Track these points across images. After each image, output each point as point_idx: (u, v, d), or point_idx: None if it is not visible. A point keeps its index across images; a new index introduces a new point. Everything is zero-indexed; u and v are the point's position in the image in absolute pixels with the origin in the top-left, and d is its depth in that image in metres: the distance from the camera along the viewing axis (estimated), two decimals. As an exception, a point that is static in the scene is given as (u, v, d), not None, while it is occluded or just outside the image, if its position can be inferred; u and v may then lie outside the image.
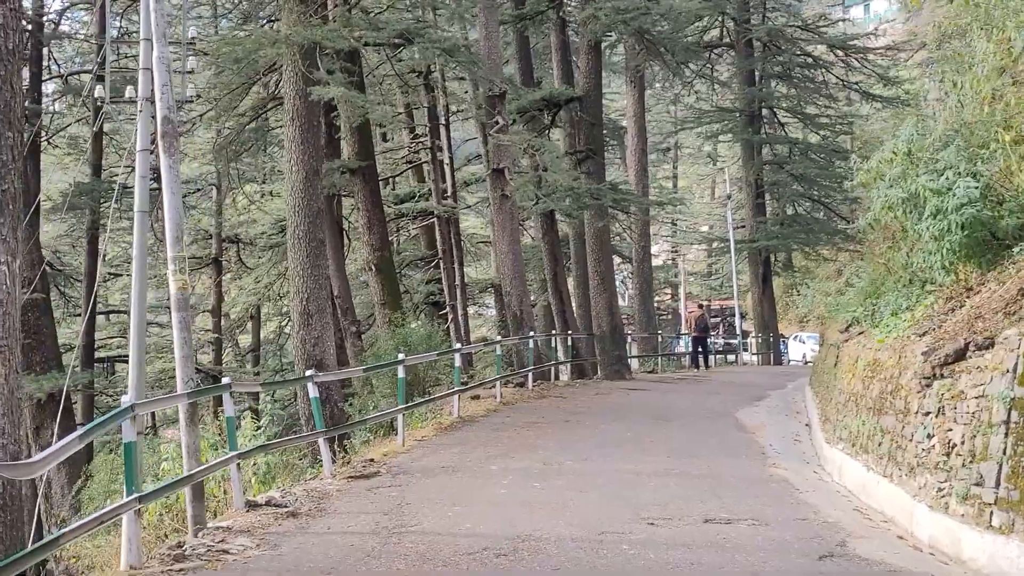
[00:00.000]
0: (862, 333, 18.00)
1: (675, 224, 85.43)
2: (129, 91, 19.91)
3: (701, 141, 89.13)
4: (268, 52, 20.82)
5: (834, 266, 71.70)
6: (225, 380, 12.20)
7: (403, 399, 17.54)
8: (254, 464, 15.77)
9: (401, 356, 17.74)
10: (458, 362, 21.28)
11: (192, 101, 19.20)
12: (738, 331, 59.95)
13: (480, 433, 18.69)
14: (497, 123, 27.68)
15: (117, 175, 36.18)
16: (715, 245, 65.49)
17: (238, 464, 12.11)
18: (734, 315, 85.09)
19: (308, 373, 14.68)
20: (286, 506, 11.96)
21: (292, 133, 21.79)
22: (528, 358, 26.84)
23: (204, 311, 49.59)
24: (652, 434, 19.08)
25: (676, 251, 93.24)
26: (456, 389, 20.72)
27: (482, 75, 26.36)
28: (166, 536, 14.37)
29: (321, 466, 17.46)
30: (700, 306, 49.28)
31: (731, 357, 53.55)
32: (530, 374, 26.62)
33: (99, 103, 23.75)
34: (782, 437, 20.16)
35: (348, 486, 13.61)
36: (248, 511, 11.78)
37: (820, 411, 20.48)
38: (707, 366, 42.74)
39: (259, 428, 16.63)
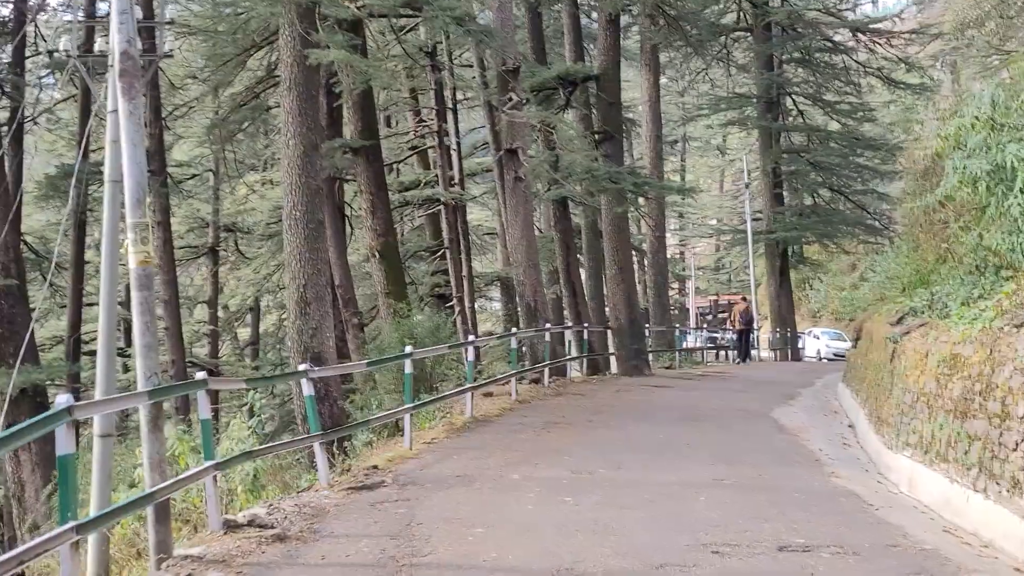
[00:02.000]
0: (924, 325, 15.96)
1: (683, 217, 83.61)
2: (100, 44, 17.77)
3: (712, 132, 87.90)
4: (263, 11, 18.79)
5: (848, 260, 69.84)
6: (200, 375, 10.12)
7: (410, 397, 15.53)
8: (241, 470, 13.76)
9: (408, 349, 15.69)
10: (471, 356, 19.24)
11: (171, 55, 17.17)
12: (755, 325, 57.85)
13: (496, 435, 16.68)
14: (511, 99, 25.66)
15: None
16: (729, 237, 63.36)
17: (215, 477, 10.08)
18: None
19: (303, 367, 12.65)
20: (272, 526, 9.97)
21: (289, 103, 19.76)
22: (544, 352, 24.87)
23: (201, 302, 47.76)
24: (687, 437, 17.11)
25: (684, 244, 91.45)
26: (468, 386, 18.63)
27: (495, 47, 24.32)
28: (137, 555, 12.42)
29: (317, 473, 15.59)
30: (744, 299, 47.40)
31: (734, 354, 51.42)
32: (546, 370, 24.65)
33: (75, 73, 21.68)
34: (829, 440, 18.20)
35: (347, 500, 11.61)
36: (226, 533, 9.75)
37: (869, 412, 18.49)
38: (749, 359, 42.15)
39: (250, 429, 14.59)
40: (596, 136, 29.29)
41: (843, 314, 67.40)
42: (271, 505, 11.01)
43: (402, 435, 15.85)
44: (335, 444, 16.54)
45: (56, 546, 7.10)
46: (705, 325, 70.69)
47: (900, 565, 9.01)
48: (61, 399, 7.37)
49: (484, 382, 20.58)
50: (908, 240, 26.17)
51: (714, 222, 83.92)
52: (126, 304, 47.18)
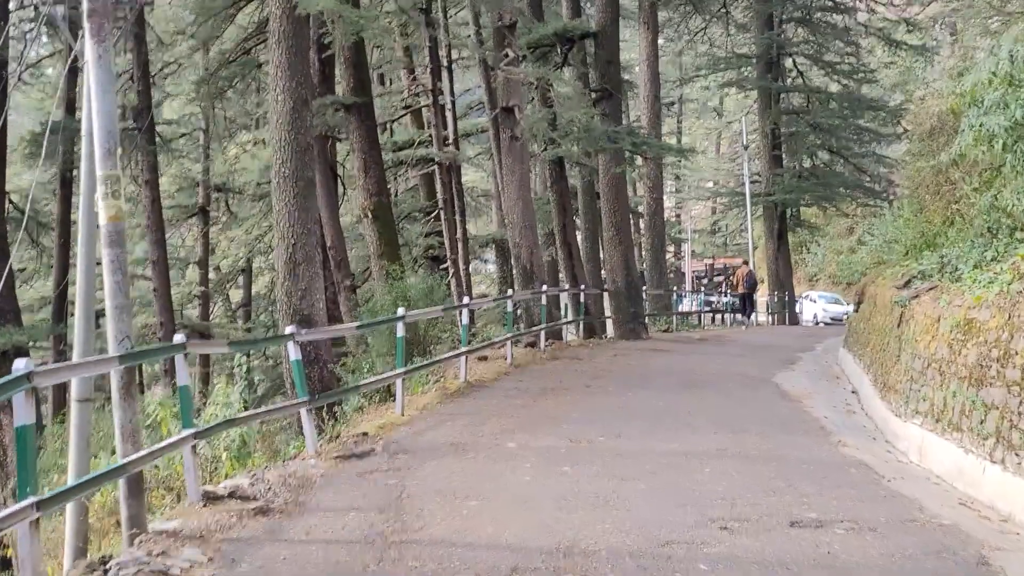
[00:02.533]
0: (934, 289, 15.43)
1: (679, 179, 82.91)
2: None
3: (709, 94, 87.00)
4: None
5: (845, 223, 69.21)
6: (178, 338, 9.51)
7: (402, 362, 14.94)
8: (226, 437, 13.20)
9: (401, 312, 15.11)
10: (466, 319, 18.63)
11: (151, 2, 16.43)
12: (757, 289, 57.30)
13: (491, 401, 16.14)
14: (507, 56, 24.98)
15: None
16: (726, 200, 62.59)
17: (194, 447, 9.50)
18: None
19: (289, 330, 12.05)
20: (255, 498, 9.42)
21: (278, 57, 19.06)
22: (541, 315, 24.32)
23: (192, 263, 47.12)
24: (687, 403, 16.59)
25: (680, 207, 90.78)
26: (463, 350, 18.04)
27: (491, 0, 23.62)
28: (117, 525, 11.89)
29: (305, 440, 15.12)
30: (746, 262, 46.77)
31: (739, 317, 50.91)
32: (542, 333, 24.10)
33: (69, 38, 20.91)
34: (834, 407, 17.69)
35: (336, 469, 11.07)
36: (206, 506, 9.17)
37: (874, 378, 17.98)
38: (749, 322, 42.08)
39: (239, 394, 13.99)
40: (594, 94, 28.57)
41: (841, 278, 67.04)
42: (254, 475, 10.45)
43: (394, 400, 15.32)
44: (325, 409, 16.01)
45: (14, 524, 6.50)
46: (703, 288, 70.22)
47: (920, 543, 8.47)
48: (19, 364, 6.78)
49: (479, 346, 20.01)
50: (912, 202, 25.58)
51: (710, 185, 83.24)
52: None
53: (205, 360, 42.41)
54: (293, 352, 11.92)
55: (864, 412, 17.68)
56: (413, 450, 12.06)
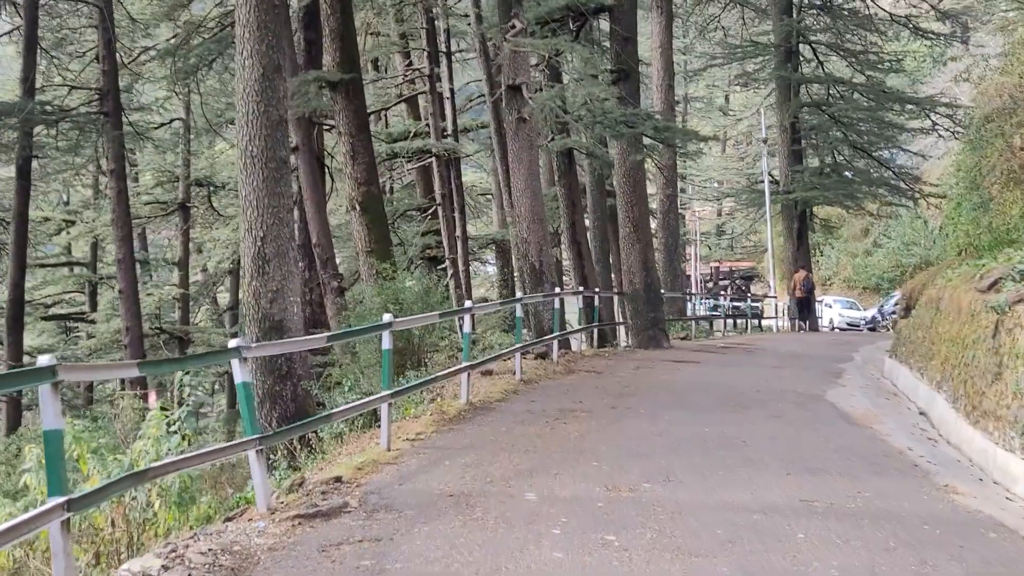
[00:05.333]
0: (1037, 291, 12.47)
1: (684, 179, 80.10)
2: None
3: (713, 92, 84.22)
4: None
5: (860, 224, 66.25)
6: (43, 360, 6.43)
7: (388, 381, 11.83)
8: (160, 483, 10.04)
9: (387, 318, 11.97)
10: (467, 326, 15.44)
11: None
12: (772, 293, 54.46)
13: (500, 428, 13.02)
14: (513, 27, 21.94)
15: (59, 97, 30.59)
16: (734, 200, 59.44)
17: (66, 522, 6.34)
18: (750, 277, 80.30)
19: (233, 344, 8.96)
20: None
21: (245, 14, 16.02)
22: (553, 322, 21.26)
23: (170, 263, 44.20)
24: (738, 429, 13.54)
25: (685, 207, 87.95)
26: (464, 365, 14.80)
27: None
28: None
29: (275, 478, 12.13)
30: (804, 267, 44.44)
31: (754, 323, 47.96)
32: (555, 343, 21.01)
33: None
34: (911, 434, 14.65)
35: (291, 538, 7.95)
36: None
37: (953, 397, 14.92)
38: (812, 326, 42.07)
39: (174, 425, 10.83)
40: (611, 74, 25.51)
41: (857, 282, 64.16)
42: (172, 550, 7.33)
43: (380, 425, 12.23)
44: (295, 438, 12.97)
45: None
46: (724, 293, 67.54)
47: None
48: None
49: (483, 360, 16.85)
50: (968, 197, 22.52)
51: (716, 185, 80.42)
52: (91, 265, 43.89)
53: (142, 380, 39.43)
54: (239, 373, 8.83)
55: (946, 440, 14.65)
56: (400, 505, 8.98)
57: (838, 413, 16.05)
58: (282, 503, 9.17)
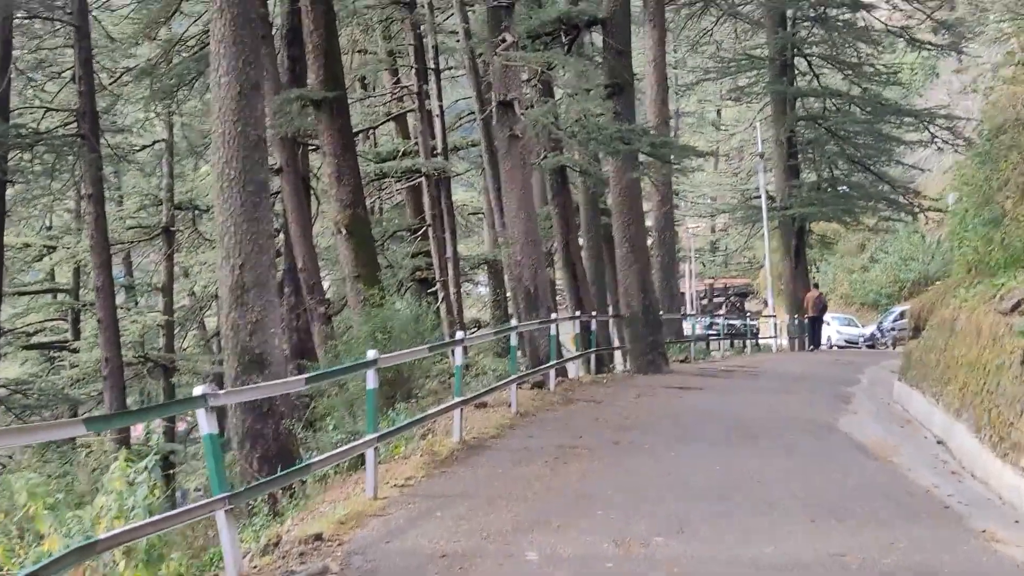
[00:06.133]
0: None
1: (677, 194, 79.31)
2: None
3: (704, 107, 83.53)
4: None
5: (856, 240, 65.42)
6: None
7: (374, 424, 10.85)
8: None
9: (372, 355, 11.01)
10: (459, 359, 14.45)
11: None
12: (771, 310, 53.60)
13: (496, 471, 12.03)
14: (504, 40, 21.07)
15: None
16: (727, 216, 58.55)
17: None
18: (745, 293, 79.54)
19: (199, 391, 7.96)
20: None
21: (220, 29, 15.12)
22: (549, 348, 20.31)
23: (154, 288, 43.18)
24: (752, 466, 12.60)
25: (678, 224, 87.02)
26: (457, 401, 13.79)
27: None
28: None
29: (254, 526, 11.18)
30: (816, 286, 43.94)
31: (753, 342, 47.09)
32: (552, 371, 20.03)
33: None
34: (933, 468, 13.69)
35: (262, 615, 7.07)
36: None
37: (975, 427, 13.99)
38: (818, 346, 41.52)
39: (136, 475, 9.82)
40: (605, 89, 24.63)
41: (855, 298, 63.29)
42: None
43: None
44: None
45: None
46: (722, 312, 66.87)
47: None
48: None
49: (476, 395, 15.83)
50: (980, 211, 21.61)
51: (709, 201, 79.65)
52: (73, 292, 42.84)
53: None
54: (205, 424, 7.86)
55: (970, 473, 13.71)
56: (386, 570, 8.00)
57: (853, 444, 15.13)
58: (255, 567, 8.21)
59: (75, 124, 27.13)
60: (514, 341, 17.62)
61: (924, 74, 66.52)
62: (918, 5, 43.25)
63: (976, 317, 15.85)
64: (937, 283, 41.03)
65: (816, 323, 41.54)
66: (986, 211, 20.42)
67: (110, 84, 31.16)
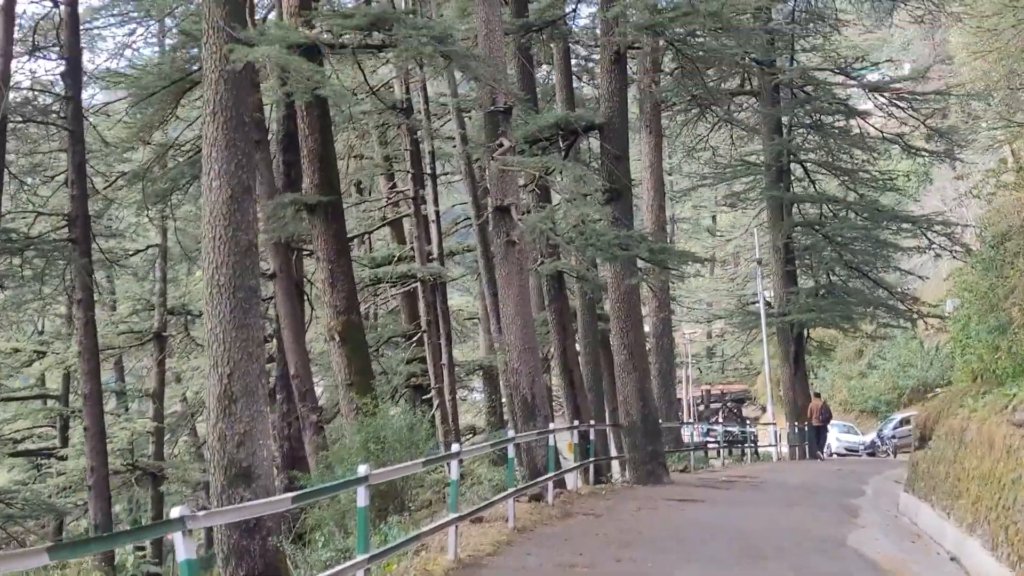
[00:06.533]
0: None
1: (675, 300, 79.17)
2: None
3: (700, 213, 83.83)
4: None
5: (853, 346, 65.03)
6: None
7: (364, 545, 10.25)
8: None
9: (362, 470, 10.46)
10: (455, 473, 13.86)
11: None
12: (770, 417, 52.97)
13: (493, 595, 11.46)
14: (501, 145, 20.84)
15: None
16: (734, 321, 58.28)
17: None
18: (742, 400, 78.99)
19: (176, 512, 7.41)
20: None
21: (212, 132, 14.82)
22: (547, 460, 19.70)
23: (144, 394, 42.57)
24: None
25: (674, 330, 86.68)
26: (452, 517, 13.16)
27: (484, 76, 19.54)
28: None
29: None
30: (819, 395, 44.06)
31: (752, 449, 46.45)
32: (550, 484, 19.40)
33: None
34: (954, 591, 13.14)
35: None
36: None
37: (991, 544, 13.43)
38: (823, 455, 41.42)
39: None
40: (603, 194, 24.40)
41: (853, 405, 62.71)
42: None
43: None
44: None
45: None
46: (720, 420, 66.41)
47: None
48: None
49: (472, 510, 15.19)
50: (986, 318, 21.19)
51: (706, 306, 79.51)
52: (62, 398, 42.23)
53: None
54: (183, 549, 7.32)
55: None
56: None
57: (864, 562, 14.53)
58: None
59: (66, 228, 26.82)
60: (511, 452, 17.06)
61: (918, 181, 66.83)
62: (912, 112, 43.38)
63: (988, 428, 15.41)
64: (938, 390, 40.46)
65: (821, 432, 41.32)
66: (991, 318, 20.03)
67: (104, 189, 30.95)
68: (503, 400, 33.53)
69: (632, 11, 24.44)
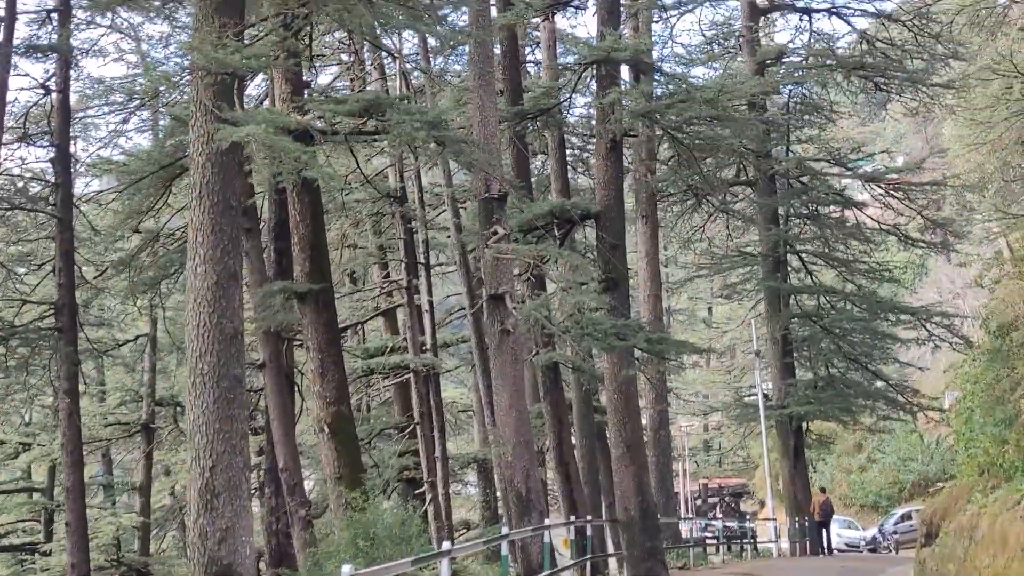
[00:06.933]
0: None
1: (671, 392, 78.63)
2: None
3: (696, 304, 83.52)
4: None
5: (852, 439, 64.30)
6: None
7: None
8: None
9: (346, 570, 9.83)
10: (445, 573, 13.17)
11: None
12: (770, 512, 52.11)
13: None
14: (495, 233, 20.50)
15: None
16: (720, 414, 57.62)
17: None
18: (739, 494, 78.12)
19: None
20: None
21: (198, 217, 14.40)
22: (543, 558, 19.03)
23: (131, 488, 41.74)
24: None
25: (672, 423, 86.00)
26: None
27: (478, 163, 19.25)
28: None
29: None
30: (823, 490, 44.19)
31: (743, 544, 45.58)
32: (548, 585, 18.77)
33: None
34: None
35: None
36: None
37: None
38: (829, 551, 41.15)
39: None
40: (600, 283, 24.02)
41: (854, 499, 61.77)
42: None
43: None
44: None
45: None
46: (720, 515, 65.61)
47: None
48: None
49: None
50: (993, 411, 20.68)
51: (703, 399, 78.93)
52: (47, 492, 41.39)
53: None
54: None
55: None
56: None
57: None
58: None
59: (53, 317, 26.32)
60: (505, 550, 16.44)
61: (913, 272, 66.76)
62: (908, 203, 43.28)
63: (1000, 525, 14.89)
64: (940, 484, 39.75)
65: (824, 527, 40.94)
66: (998, 411, 19.56)
67: (95, 278, 30.54)
68: (497, 494, 32.85)
69: (628, 99, 24.31)
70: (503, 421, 20.92)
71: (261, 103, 26.15)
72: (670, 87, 26.03)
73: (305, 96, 21.79)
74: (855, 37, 43.63)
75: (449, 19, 21.42)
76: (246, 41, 15.27)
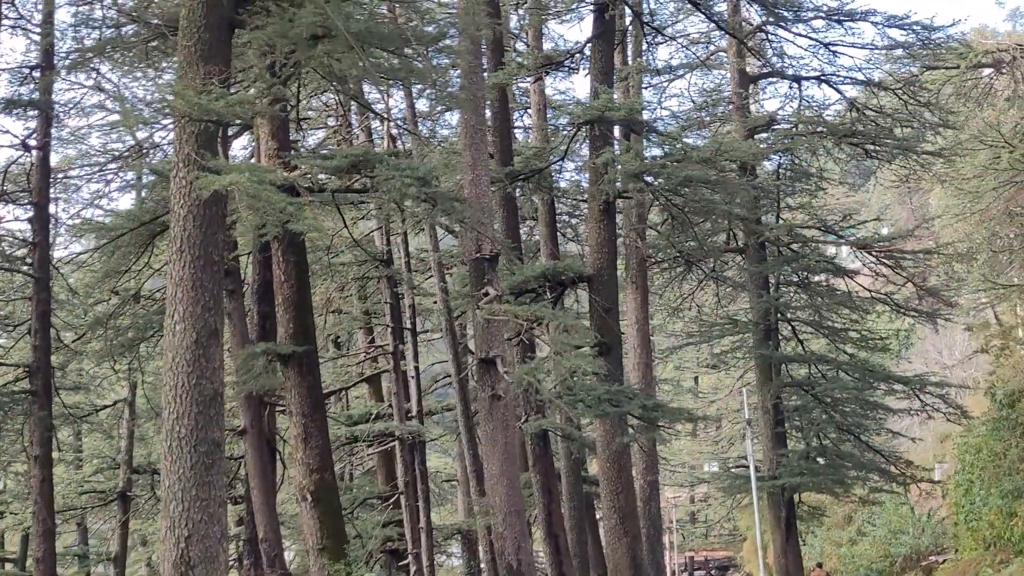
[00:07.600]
0: None
1: (663, 460, 77.90)
2: None
3: (681, 374, 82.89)
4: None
5: (843, 511, 63.41)
6: None
7: None
8: None
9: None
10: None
11: None
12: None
13: None
14: (486, 294, 19.84)
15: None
16: (722, 485, 56.66)
17: None
18: (726, 567, 77.05)
19: None
20: None
21: (178, 271, 13.68)
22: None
23: (107, 558, 40.71)
24: None
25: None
26: None
27: (469, 222, 18.67)
28: None
29: None
30: (819, 565, 44.32)
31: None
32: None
33: None
34: None
35: None
36: None
37: None
38: None
39: None
40: (594, 347, 23.37)
41: (844, 573, 60.64)
42: None
43: None
44: None
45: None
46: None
47: None
48: None
49: None
50: (998, 482, 19.99)
51: (690, 469, 78.11)
52: (20, 562, 40.26)
53: None
54: None
55: None
56: None
57: None
58: None
59: (27, 379, 25.52)
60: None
61: (899, 342, 66.37)
62: (899, 271, 42.88)
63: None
64: (932, 558, 38.81)
65: None
66: (1006, 482, 18.91)
67: (73, 342, 29.78)
68: (482, 566, 31.98)
69: (621, 160, 23.90)
70: (493, 490, 20.11)
71: (249, 159, 25.60)
72: (665, 147, 25.68)
73: (291, 154, 21.22)
74: (844, 105, 43.48)
75: (440, 80, 20.93)
76: (232, 91, 14.69)
